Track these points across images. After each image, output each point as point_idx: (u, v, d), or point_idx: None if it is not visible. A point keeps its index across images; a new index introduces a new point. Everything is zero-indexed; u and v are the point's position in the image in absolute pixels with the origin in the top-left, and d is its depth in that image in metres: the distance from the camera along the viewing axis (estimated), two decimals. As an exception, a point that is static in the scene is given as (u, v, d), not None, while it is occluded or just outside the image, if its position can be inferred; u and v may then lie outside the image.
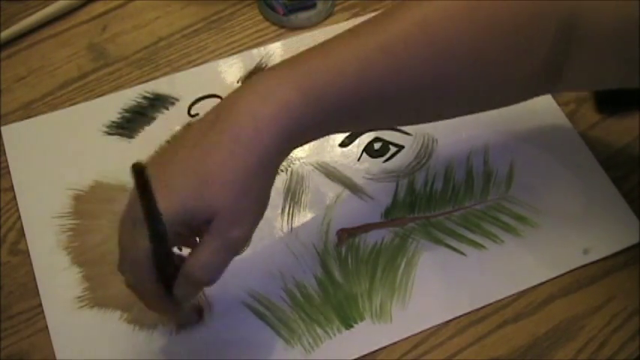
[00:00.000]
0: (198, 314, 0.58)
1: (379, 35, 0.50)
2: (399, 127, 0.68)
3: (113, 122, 0.68)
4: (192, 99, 0.70)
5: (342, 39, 0.51)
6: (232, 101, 0.49)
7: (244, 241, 0.49)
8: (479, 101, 0.56)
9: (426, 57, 0.50)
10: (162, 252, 0.47)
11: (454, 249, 0.62)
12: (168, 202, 0.45)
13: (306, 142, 0.52)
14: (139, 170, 0.42)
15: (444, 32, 0.50)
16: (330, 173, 0.66)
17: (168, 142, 0.50)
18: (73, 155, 0.67)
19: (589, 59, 0.53)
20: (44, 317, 0.58)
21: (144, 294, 0.50)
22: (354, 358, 0.57)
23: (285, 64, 0.50)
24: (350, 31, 0.52)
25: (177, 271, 0.49)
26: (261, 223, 0.62)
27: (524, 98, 0.58)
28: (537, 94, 0.58)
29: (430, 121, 0.58)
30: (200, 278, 0.48)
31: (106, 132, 0.68)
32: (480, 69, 0.52)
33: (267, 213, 0.62)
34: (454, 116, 0.58)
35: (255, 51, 0.73)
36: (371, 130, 0.67)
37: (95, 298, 0.59)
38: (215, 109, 0.49)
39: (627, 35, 0.50)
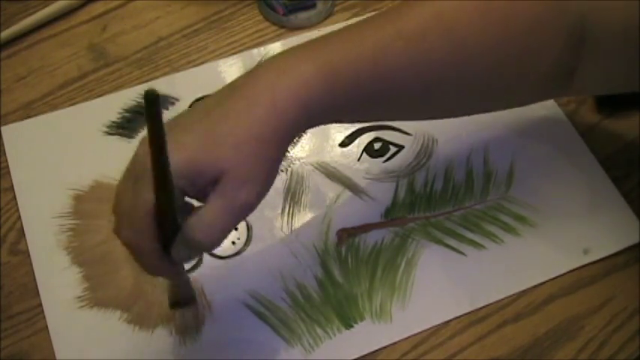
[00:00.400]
0: (192, 295, 0.56)
1: (398, 23, 0.50)
2: (399, 128, 0.68)
3: (113, 122, 0.68)
4: (192, 99, 0.70)
5: (360, 25, 0.52)
6: (250, 75, 0.49)
7: (250, 207, 0.48)
8: (492, 99, 0.56)
9: (442, 49, 0.50)
10: (165, 203, 0.45)
11: (454, 249, 0.62)
12: (177, 154, 0.44)
13: (320, 123, 0.52)
14: (151, 97, 0.39)
15: (459, 27, 0.51)
16: (330, 173, 0.66)
17: (181, 114, 0.49)
18: (73, 155, 0.67)
19: (599, 63, 0.53)
20: (44, 317, 0.58)
21: (141, 252, 0.48)
22: (354, 358, 0.57)
23: (303, 45, 0.50)
24: (368, 18, 0.53)
25: (178, 232, 0.47)
26: (261, 223, 0.63)
27: (538, 99, 0.59)
28: (550, 97, 0.59)
29: (442, 117, 0.59)
30: (200, 240, 0.46)
31: (106, 132, 0.68)
32: (494, 67, 0.52)
33: (268, 213, 0.63)
34: (466, 114, 0.58)
35: (255, 51, 0.73)
36: (374, 130, 0.68)
37: (95, 298, 0.59)
38: (232, 83, 0.49)
39: (630, 38, 0.50)
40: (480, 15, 0.51)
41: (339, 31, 0.51)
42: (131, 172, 0.47)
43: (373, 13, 0.54)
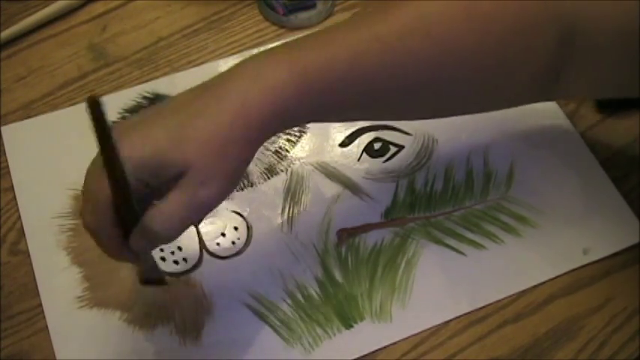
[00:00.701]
0: (161, 277, 0.57)
1: (376, 26, 0.50)
2: (399, 128, 0.68)
3: (113, 122, 0.68)
4: (192, 99, 0.70)
5: (338, 27, 0.51)
6: (225, 76, 0.49)
7: (209, 205, 0.48)
8: (477, 101, 0.56)
9: (422, 52, 0.50)
10: (119, 196, 0.46)
11: (454, 249, 0.62)
12: (143, 147, 0.45)
13: (295, 125, 0.53)
14: (92, 102, 0.40)
15: (442, 28, 0.50)
16: (330, 173, 0.66)
17: (153, 107, 0.51)
18: (73, 155, 0.66)
19: (589, 66, 0.53)
20: (44, 317, 0.58)
21: (100, 238, 0.49)
22: (354, 358, 0.57)
23: (279, 47, 0.51)
24: (347, 21, 0.52)
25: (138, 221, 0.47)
26: (261, 223, 0.63)
27: (525, 102, 0.58)
28: (538, 100, 0.58)
29: (426, 118, 0.58)
30: (157, 231, 0.47)
31: (106, 132, 0.68)
32: (477, 69, 0.52)
33: (268, 213, 0.63)
34: (451, 115, 0.58)
35: (255, 51, 0.73)
36: (374, 130, 0.68)
37: (95, 298, 0.59)
38: (206, 82, 0.50)
39: (628, 43, 0.50)
40: (464, 17, 0.50)
41: (316, 33, 0.51)
42: (98, 159, 0.47)
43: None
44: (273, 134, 0.51)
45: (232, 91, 0.47)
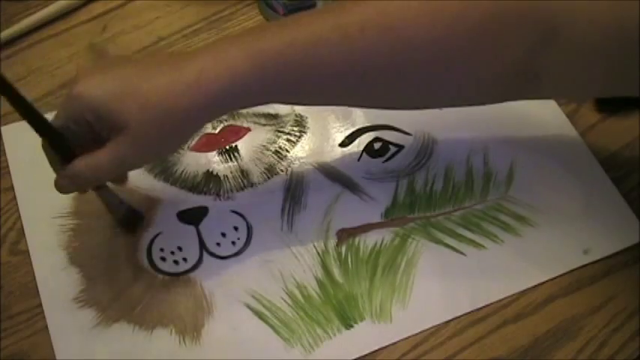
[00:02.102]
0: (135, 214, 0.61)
1: (340, 15, 0.52)
2: (399, 128, 0.68)
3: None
4: (192, 99, 0.70)
5: (301, 16, 0.53)
6: (189, 53, 0.53)
7: (134, 164, 0.55)
8: (436, 95, 0.56)
9: (382, 43, 0.51)
10: (45, 135, 0.53)
11: (454, 249, 0.62)
12: (96, 89, 0.50)
13: (252, 104, 0.55)
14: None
15: (403, 24, 0.51)
16: (330, 173, 0.66)
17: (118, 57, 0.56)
18: (73, 155, 0.66)
19: (575, 66, 0.52)
20: (44, 317, 0.58)
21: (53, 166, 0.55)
22: (354, 358, 0.57)
23: (246, 31, 0.54)
24: (316, 10, 0.55)
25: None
26: (261, 223, 0.62)
27: (495, 99, 0.57)
28: (511, 98, 0.57)
29: (385, 108, 0.60)
30: (79, 174, 0.52)
31: (106, 132, 0.68)
32: (439, 64, 0.52)
33: (268, 213, 0.63)
34: (413, 107, 0.59)
35: (255, 51, 0.73)
36: (374, 130, 0.68)
37: (95, 298, 0.59)
38: (171, 53, 0.52)
39: (613, 43, 0.49)
40: (428, 15, 0.51)
41: (285, 19, 0.54)
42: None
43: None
44: (224, 113, 0.55)
45: (192, 64, 0.50)
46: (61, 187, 0.55)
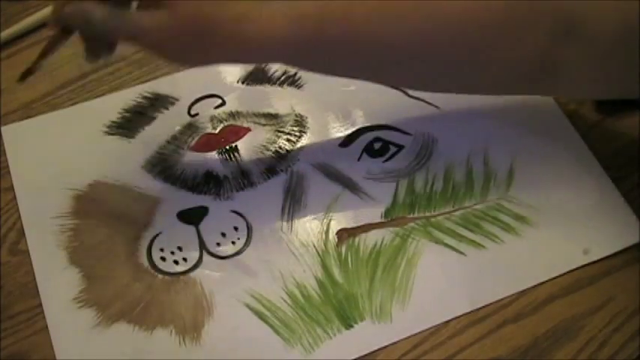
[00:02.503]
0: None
1: None
2: (399, 128, 0.68)
3: (113, 122, 0.68)
4: (192, 99, 0.70)
5: None
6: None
7: (158, 52, 0.54)
8: (459, 79, 0.57)
9: (412, 17, 0.52)
10: None
11: (454, 249, 0.62)
12: None
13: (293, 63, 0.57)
14: None
15: (437, 5, 0.52)
16: (330, 173, 0.66)
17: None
18: (73, 155, 0.67)
19: (589, 64, 0.53)
20: (44, 317, 0.58)
21: None
22: (354, 358, 0.57)
23: None
24: None
25: None
26: (261, 223, 0.62)
27: (511, 90, 0.58)
28: (526, 90, 0.58)
29: (401, 85, 0.62)
30: (137, 21, 0.53)
31: (106, 132, 0.68)
32: (469, 43, 0.53)
33: (268, 213, 0.63)
34: (427, 89, 0.62)
35: (255, 51, 0.73)
36: (374, 129, 0.68)
37: (95, 297, 0.59)
38: None
39: (629, 40, 0.49)
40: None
41: None
42: None
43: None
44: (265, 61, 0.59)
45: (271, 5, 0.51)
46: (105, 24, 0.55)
